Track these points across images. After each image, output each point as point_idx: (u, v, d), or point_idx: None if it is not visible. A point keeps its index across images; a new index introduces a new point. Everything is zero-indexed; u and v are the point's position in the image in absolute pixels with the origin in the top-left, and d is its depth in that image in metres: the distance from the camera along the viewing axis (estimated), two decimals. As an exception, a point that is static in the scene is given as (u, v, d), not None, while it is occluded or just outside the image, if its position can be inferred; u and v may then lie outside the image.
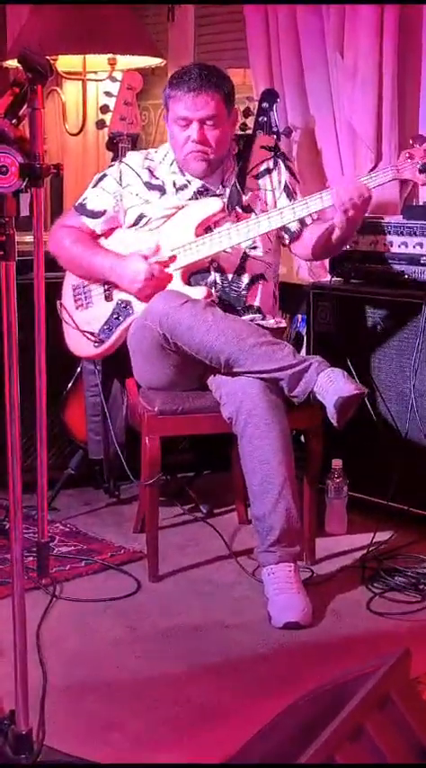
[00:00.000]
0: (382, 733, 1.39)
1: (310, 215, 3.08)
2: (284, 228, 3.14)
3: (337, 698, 1.50)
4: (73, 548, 3.20)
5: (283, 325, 3.25)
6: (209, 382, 2.95)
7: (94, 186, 3.21)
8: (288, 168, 3.22)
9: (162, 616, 2.76)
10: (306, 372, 2.82)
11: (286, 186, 3.17)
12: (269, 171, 3.18)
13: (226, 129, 3.07)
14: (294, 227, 3.15)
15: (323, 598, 2.82)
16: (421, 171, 2.92)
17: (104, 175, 3.21)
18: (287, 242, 3.21)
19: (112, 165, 3.25)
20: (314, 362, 2.83)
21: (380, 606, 2.80)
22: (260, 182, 3.17)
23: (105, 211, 3.17)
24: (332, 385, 2.78)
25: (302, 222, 3.14)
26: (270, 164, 3.18)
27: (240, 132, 3.23)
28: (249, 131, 3.80)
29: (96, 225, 3.19)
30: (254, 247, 3.12)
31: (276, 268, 3.22)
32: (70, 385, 3.61)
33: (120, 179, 3.16)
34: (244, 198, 3.12)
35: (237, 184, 3.12)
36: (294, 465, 2.82)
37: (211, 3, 4.40)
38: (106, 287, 3.17)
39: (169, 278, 3.05)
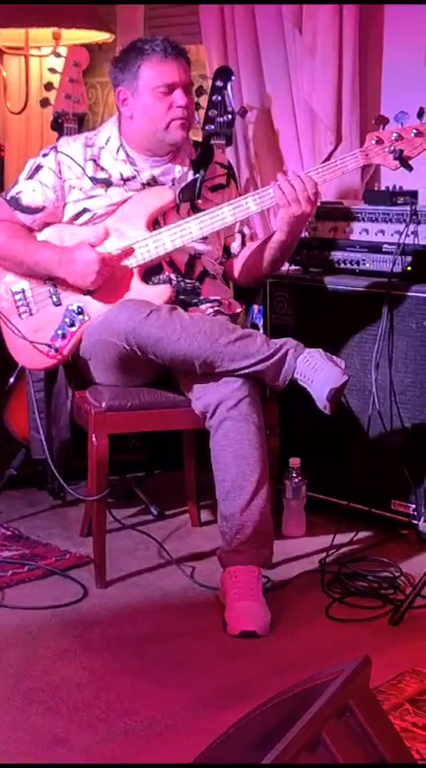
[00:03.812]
0: (340, 743, 1.41)
1: (250, 235, 3.27)
2: (225, 247, 3.24)
3: (294, 708, 1.53)
4: (15, 552, 3.20)
5: (239, 310, 3.27)
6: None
7: (30, 178, 3.10)
8: (237, 190, 3.31)
9: (110, 624, 2.77)
10: (284, 361, 2.85)
11: None
12: (222, 187, 3.25)
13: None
14: (237, 243, 3.25)
15: (280, 604, 2.85)
16: (395, 157, 2.96)
17: (40, 167, 3.10)
18: (224, 260, 3.27)
19: (47, 155, 3.11)
20: (289, 348, 2.86)
21: (340, 612, 2.83)
22: (213, 194, 3.21)
23: (44, 207, 3.08)
24: (316, 373, 2.82)
25: (243, 241, 3.26)
26: (224, 180, 3.26)
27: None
28: (202, 110, 3.82)
29: (32, 220, 3.10)
30: (202, 253, 3.17)
31: (220, 275, 3.27)
32: (12, 380, 3.60)
33: (60, 171, 3.08)
34: (198, 202, 3.15)
35: (196, 184, 3.14)
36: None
37: (188, 2, 4.38)
38: (53, 290, 3.09)
39: (122, 268, 3.03)
